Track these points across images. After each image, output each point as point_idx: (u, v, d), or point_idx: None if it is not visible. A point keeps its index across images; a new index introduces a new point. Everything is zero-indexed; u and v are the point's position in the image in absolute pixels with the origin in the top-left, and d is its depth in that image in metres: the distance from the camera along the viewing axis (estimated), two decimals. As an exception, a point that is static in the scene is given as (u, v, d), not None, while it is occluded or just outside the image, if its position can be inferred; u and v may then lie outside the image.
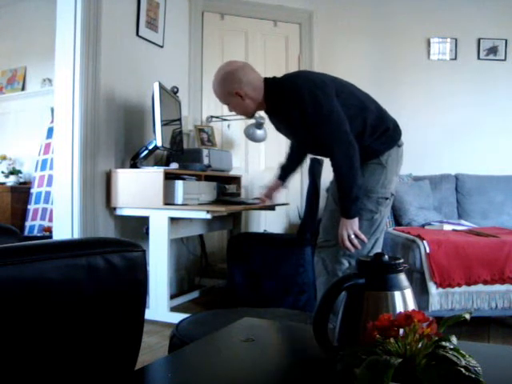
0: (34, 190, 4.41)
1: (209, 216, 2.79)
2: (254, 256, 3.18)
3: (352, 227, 2.09)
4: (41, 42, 4.52)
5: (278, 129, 2.36)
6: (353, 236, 2.09)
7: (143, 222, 3.04)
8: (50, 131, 4.19)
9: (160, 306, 2.87)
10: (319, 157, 2.46)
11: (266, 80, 2.20)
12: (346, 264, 2.25)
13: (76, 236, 2.87)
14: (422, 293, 2.67)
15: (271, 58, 4.20)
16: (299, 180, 4.26)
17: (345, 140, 2.02)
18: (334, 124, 2.02)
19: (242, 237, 3.41)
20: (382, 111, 2.21)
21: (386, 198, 2.17)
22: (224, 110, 3.99)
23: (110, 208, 3.06)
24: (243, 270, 3.19)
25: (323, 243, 2.36)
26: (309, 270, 3.01)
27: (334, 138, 2.02)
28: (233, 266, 3.26)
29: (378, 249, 2.22)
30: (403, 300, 0.80)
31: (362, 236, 2.11)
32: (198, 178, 3.16)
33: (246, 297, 3.11)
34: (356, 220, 2.10)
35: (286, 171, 2.59)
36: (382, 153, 2.15)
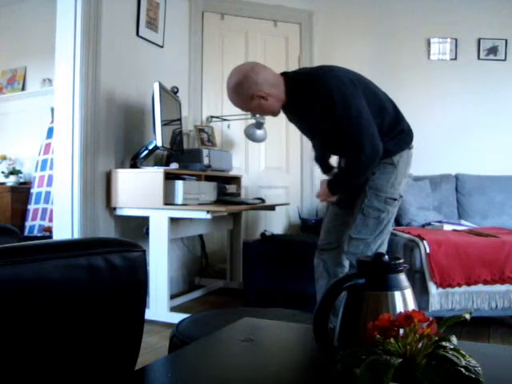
0: (34, 190, 4.42)
1: (209, 216, 2.79)
2: (276, 259, 3.16)
3: (331, 199, 2.28)
4: (41, 42, 4.52)
5: (291, 120, 2.34)
6: (326, 201, 2.33)
7: (143, 222, 3.04)
8: (50, 131, 4.20)
9: (160, 305, 2.87)
10: (332, 154, 2.45)
11: (287, 74, 2.15)
12: (348, 267, 2.25)
13: (76, 236, 2.87)
14: (422, 293, 2.67)
15: (271, 58, 4.20)
16: (299, 180, 4.26)
17: (373, 143, 2.02)
18: (363, 126, 2.01)
19: (264, 239, 3.39)
20: (398, 113, 2.20)
21: (395, 199, 2.17)
22: (224, 110, 4.00)
23: (110, 208, 3.06)
24: (264, 272, 3.16)
25: (325, 246, 2.36)
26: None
27: (364, 140, 2.00)
28: (253, 269, 3.22)
29: (382, 251, 2.20)
30: (403, 300, 0.80)
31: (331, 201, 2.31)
32: (198, 177, 3.15)
33: (268, 300, 3.07)
34: (336, 196, 2.26)
35: (324, 162, 2.53)
36: (395, 153, 2.15)
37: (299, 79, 2.12)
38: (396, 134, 2.15)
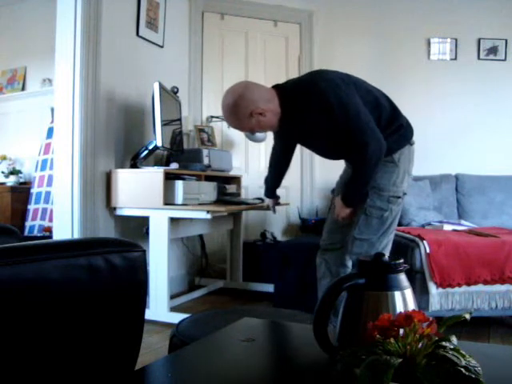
0: (34, 190, 4.42)
1: (209, 216, 2.79)
2: (307, 262, 3.13)
3: (348, 213, 2.19)
4: (41, 42, 4.52)
5: (288, 137, 2.31)
6: (346, 219, 2.22)
7: (143, 222, 3.04)
8: (50, 131, 4.20)
9: (160, 306, 2.87)
10: (333, 159, 2.42)
11: (279, 87, 2.13)
12: (350, 267, 2.24)
13: (76, 236, 2.87)
14: (422, 293, 2.67)
15: (271, 57, 4.20)
16: (299, 179, 4.26)
17: (376, 137, 2.00)
18: (363, 122, 2.01)
19: (294, 243, 3.38)
20: (395, 109, 2.18)
21: (398, 197, 2.16)
22: (224, 110, 4.00)
23: (110, 208, 3.06)
24: (295, 275, 3.14)
25: (328, 246, 2.36)
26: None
27: (367, 136, 1.99)
28: (284, 272, 3.20)
29: (387, 252, 2.19)
30: (403, 300, 0.80)
31: (350, 218, 2.22)
32: (198, 177, 3.15)
33: (297, 302, 3.03)
34: (352, 208, 2.19)
35: (274, 187, 2.63)
36: (395, 151, 2.13)
37: (292, 88, 2.11)
38: (395, 129, 2.13)
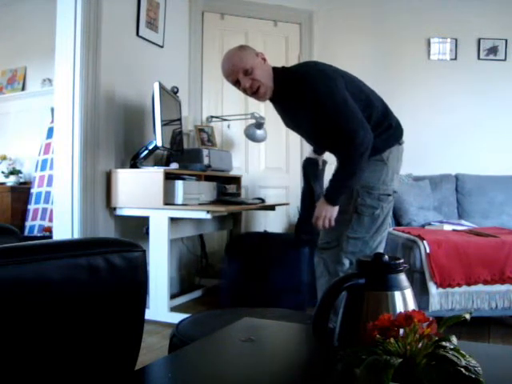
0: (34, 190, 4.42)
1: (209, 216, 2.79)
2: (253, 256, 3.18)
3: (332, 213, 2.12)
4: (41, 41, 4.52)
5: (283, 118, 2.34)
6: (327, 221, 2.13)
7: (143, 222, 3.04)
8: (50, 131, 4.20)
9: (160, 306, 2.87)
10: (322, 149, 2.42)
11: (275, 69, 2.18)
12: (347, 265, 2.25)
13: (76, 236, 2.87)
14: (422, 293, 2.66)
15: (271, 58, 4.13)
16: (299, 180, 4.25)
17: (365, 126, 2.01)
18: (351, 112, 2.01)
19: (243, 236, 3.42)
20: (386, 108, 2.20)
21: (388, 195, 2.17)
22: (224, 110, 4.00)
23: (110, 208, 3.06)
24: (241, 269, 3.19)
25: (325, 245, 2.36)
26: (305, 270, 3.03)
27: (355, 124, 2.00)
28: (231, 266, 3.26)
29: (381, 250, 2.20)
30: (403, 300, 0.80)
31: (333, 222, 2.14)
32: (198, 177, 3.15)
33: (244, 296, 3.11)
34: (336, 208, 2.13)
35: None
36: (384, 150, 2.14)
37: (285, 73, 2.16)
38: (384, 129, 2.14)
